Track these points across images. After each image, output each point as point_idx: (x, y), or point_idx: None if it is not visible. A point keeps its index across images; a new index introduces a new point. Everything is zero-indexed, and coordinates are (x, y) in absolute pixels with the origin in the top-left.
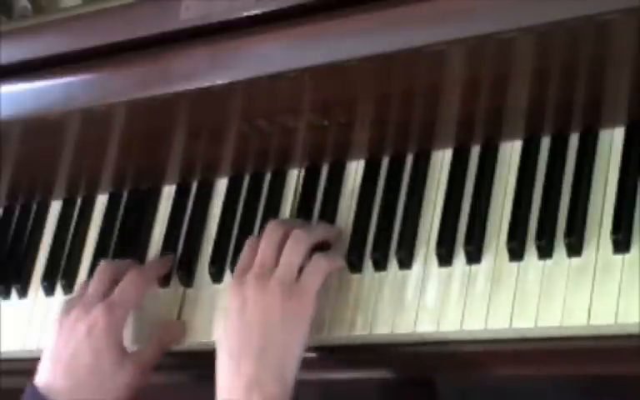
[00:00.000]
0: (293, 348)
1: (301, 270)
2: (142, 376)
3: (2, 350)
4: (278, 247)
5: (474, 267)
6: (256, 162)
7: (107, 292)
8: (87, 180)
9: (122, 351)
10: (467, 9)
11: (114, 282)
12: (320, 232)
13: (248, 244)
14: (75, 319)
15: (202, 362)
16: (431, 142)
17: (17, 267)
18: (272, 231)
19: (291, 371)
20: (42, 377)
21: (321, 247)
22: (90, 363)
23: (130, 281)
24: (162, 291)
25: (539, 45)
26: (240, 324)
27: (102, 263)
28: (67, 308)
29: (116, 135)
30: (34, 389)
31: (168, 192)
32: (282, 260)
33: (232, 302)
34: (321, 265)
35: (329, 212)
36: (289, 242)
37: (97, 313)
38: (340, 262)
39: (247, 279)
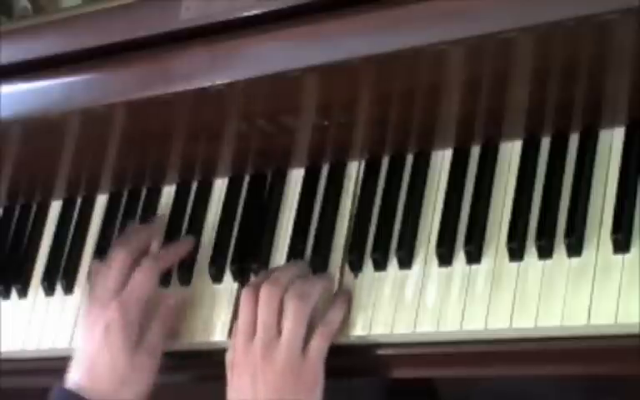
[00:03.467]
0: None
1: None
2: (154, 359)
3: (2, 350)
4: (279, 312)
5: (474, 267)
6: (256, 162)
7: (123, 284)
8: (87, 180)
9: (135, 345)
10: (467, 9)
11: (132, 267)
12: (317, 290)
13: (246, 301)
14: (94, 320)
15: (202, 362)
16: (431, 142)
17: (17, 267)
18: (268, 299)
19: None
20: (70, 378)
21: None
22: (109, 362)
23: (143, 273)
24: (162, 291)
25: (539, 45)
26: None
27: (118, 250)
28: (89, 307)
29: (116, 135)
30: (62, 388)
31: (168, 192)
32: (286, 332)
33: (243, 373)
34: (325, 334)
35: (330, 212)
36: (289, 318)
37: (113, 312)
38: (340, 315)
39: (253, 350)
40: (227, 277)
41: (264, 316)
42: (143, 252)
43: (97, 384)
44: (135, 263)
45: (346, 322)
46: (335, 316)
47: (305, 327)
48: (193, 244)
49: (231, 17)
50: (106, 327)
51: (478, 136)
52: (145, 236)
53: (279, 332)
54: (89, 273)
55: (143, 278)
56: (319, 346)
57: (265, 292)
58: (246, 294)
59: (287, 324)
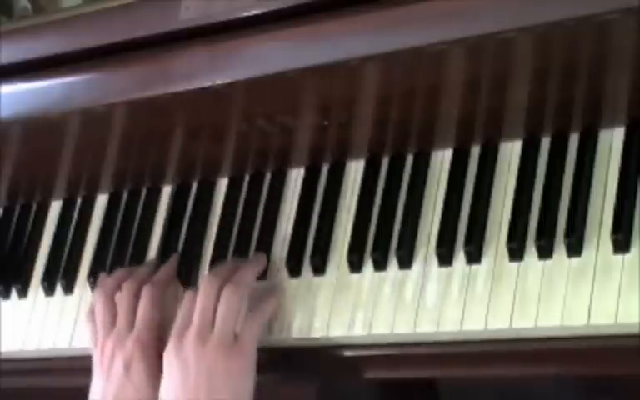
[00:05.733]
0: None
1: None
2: None
3: (2, 350)
4: (215, 304)
5: (474, 267)
6: (256, 162)
7: (133, 316)
8: (87, 180)
9: (159, 378)
10: (467, 9)
11: (137, 298)
12: (250, 275)
13: (186, 300)
14: (111, 356)
15: None
16: (431, 142)
17: (17, 267)
18: (207, 287)
19: None
20: None
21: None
22: (133, 397)
23: (147, 299)
24: None
25: (539, 45)
26: (185, 390)
27: (125, 287)
28: (102, 344)
29: (116, 135)
30: None
31: (168, 192)
32: (218, 321)
33: (173, 367)
34: (256, 319)
35: (329, 212)
36: (222, 304)
37: (131, 347)
38: (272, 305)
39: (185, 341)
40: None
41: (201, 303)
42: (143, 282)
43: None
44: (138, 294)
45: (278, 313)
46: (267, 304)
47: (237, 312)
48: (176, 262)
49: (231, 17)
50: (126, 364)
51: (478, 136)
52: (143, 270)
53: (214, 323)
54: (88, 276)
55: (149, 305)
56: (250, 330)
57: (204, 283)
58: (187, 295)
59: (220, 310)
